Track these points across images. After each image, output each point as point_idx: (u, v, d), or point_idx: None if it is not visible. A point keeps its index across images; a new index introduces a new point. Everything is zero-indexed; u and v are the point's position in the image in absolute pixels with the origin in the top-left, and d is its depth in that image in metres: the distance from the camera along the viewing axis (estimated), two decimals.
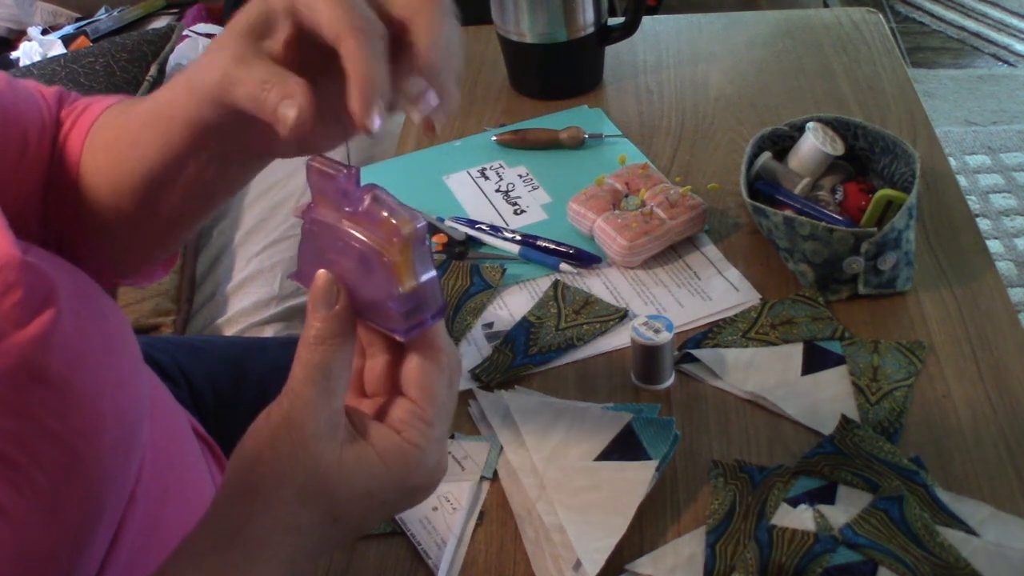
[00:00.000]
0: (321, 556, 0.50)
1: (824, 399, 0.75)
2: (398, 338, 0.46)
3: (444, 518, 0.69)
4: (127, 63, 1.66)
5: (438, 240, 0.94)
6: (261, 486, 0.45)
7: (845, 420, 0.71)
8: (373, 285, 0.45)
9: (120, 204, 0.61)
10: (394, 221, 0.44)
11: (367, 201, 0.44)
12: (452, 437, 0.74)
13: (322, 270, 0.46)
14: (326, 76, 0.47)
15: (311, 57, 0.47)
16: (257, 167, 0.60)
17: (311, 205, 0.47)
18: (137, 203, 0.60)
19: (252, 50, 0.47)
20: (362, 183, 0.45)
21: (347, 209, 0.45)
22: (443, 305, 0.47)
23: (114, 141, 0.61)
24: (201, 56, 0.53)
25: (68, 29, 1.99)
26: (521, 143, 1.06)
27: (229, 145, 0.55)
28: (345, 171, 0.45)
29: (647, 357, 0.76)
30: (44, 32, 2.00)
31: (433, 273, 0.46)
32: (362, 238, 0.44)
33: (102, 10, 2.06)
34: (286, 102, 0.45)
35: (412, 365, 0.47)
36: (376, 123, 0.43)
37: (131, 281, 0.73)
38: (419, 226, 0.44)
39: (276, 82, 0.45)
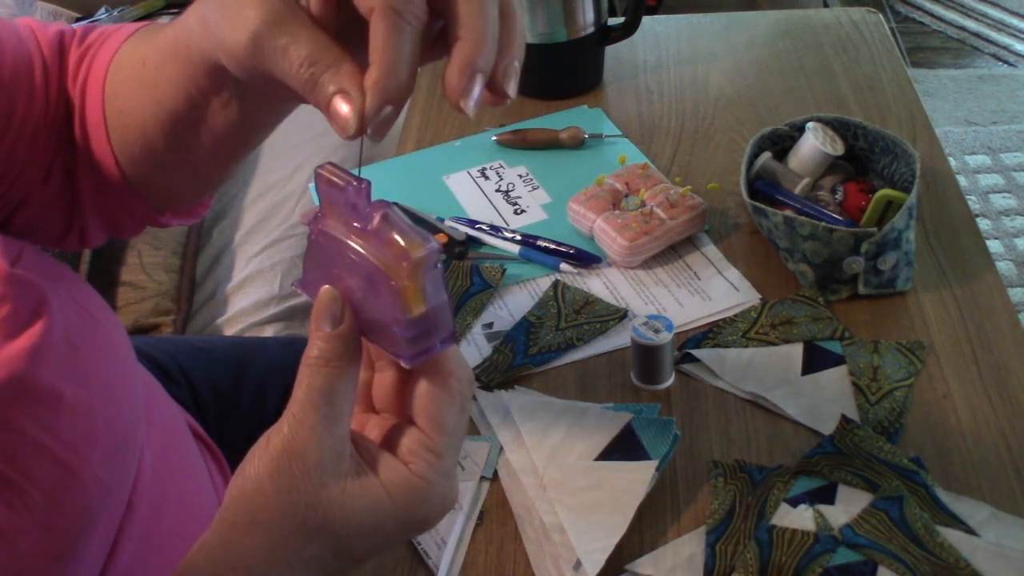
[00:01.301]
0: None
1: (824, 399, 0.75)
2: (403, 364, 0.44)
3: (444, 518, 0.69)
4: None
5: (438, 240, 0.94)
6: (260, 519, 0.44)
7: (845, 420, 0.71)
8: (379, 307, 0.43)
9: (151, 148, 0.57)
10: (404, 244, 0.41)
11: (376, 219, 0.42)
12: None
13: (327, 286, 0.44)
14: (359, 47, 0.41)
15: (348, 21, 0.42)
16: (289, 109, 0.55)
17: (319, 214, 0.45)
18: (167, 147, 0.56)
19: (289, 7, 0.41)
20: (372, 197, 0.42)
21: (356, 224, 0.43)
22: (452, 331, 0.45)
23: (134, 84, 0.56)
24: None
25: None
26: (521, 143, 1.06)
27: (255, 94, 0.51)
28: (355, 184, 0.42)
29: (647, 357, 0.76)
30: None
31: (444, 299, 0.43)
32: (370, 258, 0.42)
33: (102, 10, 2.06)
34: (341, 97, 0.40)
35: (421, 391, 0.45)
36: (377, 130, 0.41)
37: (173, 219, 0.66)
38: (430, 250, 0.41)
39: (327, 65, 0.40)
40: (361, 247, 0.42)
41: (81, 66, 0.60)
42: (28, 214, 0.61)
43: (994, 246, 2.11)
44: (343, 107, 0.40)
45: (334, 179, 0.43)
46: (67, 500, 0.50)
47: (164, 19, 2.03)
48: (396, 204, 0.44)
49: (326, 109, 0.41)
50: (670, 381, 0.77)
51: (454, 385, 0.45)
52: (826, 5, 2.53)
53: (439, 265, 0.43)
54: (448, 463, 0.45)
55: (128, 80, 0.56)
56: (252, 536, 0.44)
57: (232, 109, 0.52)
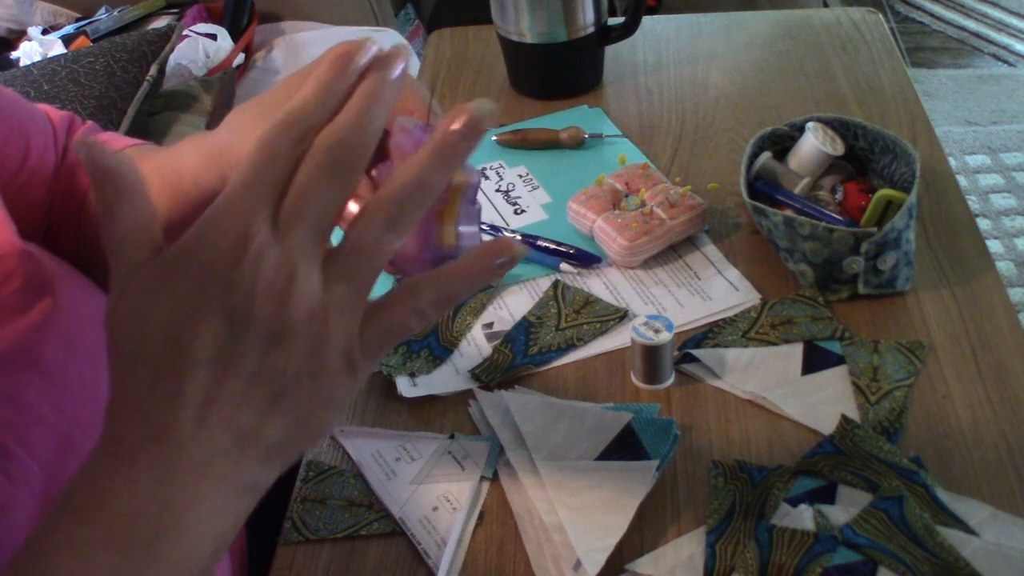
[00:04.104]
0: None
1: (824, 399, 0.75)
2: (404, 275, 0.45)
3: (444, 518, 0.69)
4: (127, 63, 1.66)
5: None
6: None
7: (845, 420, 0.71)
8: (418, 236, 0.44)
9: None
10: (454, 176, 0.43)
11: None
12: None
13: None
14: None
15: None
16: None
17: (388, 163, 0.47)
18: None
19: None
20: None
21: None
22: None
23: None
24: (232, 117, 0.51)
25: (68, 29, 1.99)
26: (521, 143, 1.06)
27: None
28: (422, 126, 0.44)
29: (647, 357, 0.76)
30: (44, 32, 2.00)
31: (476, 236, 0.45)
32: None
33: (102, 10, 2.06)
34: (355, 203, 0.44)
35: None
36: None
37: None
38: (470, 181, 0.43)
39: None
40: None
41: (71, 153, 0.64)
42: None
43: (994, 246, 2.11)
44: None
45: (407, 125, 0.45)
46: (65, 474, 0.51)
47: (164, 19, 2.03)
48: None
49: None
50: (670, 381, 0.77)
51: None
52: (826, 5, 2.53)
53: (477, 204, 0.44)
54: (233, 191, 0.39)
55: None
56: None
57: None
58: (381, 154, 0.46)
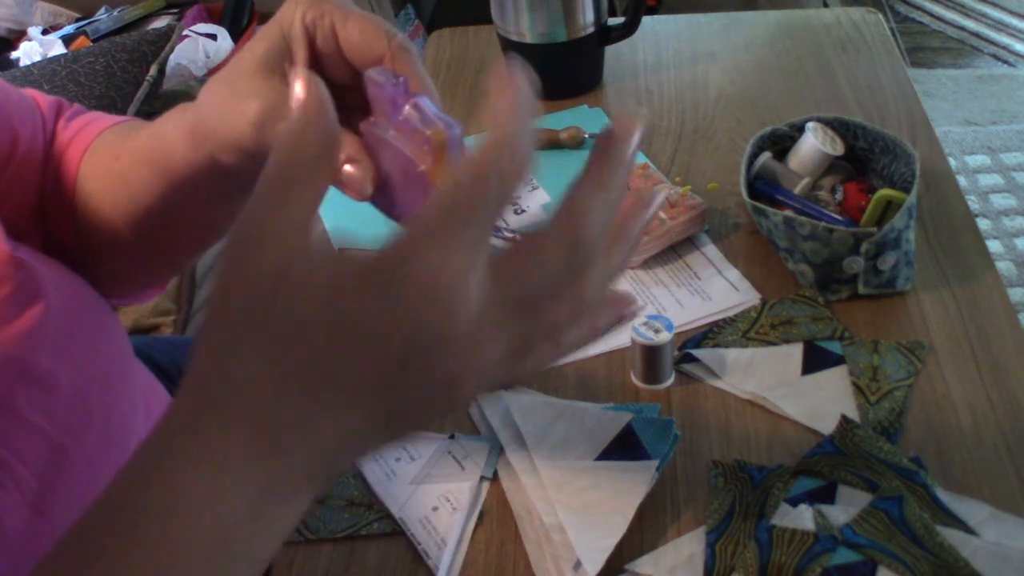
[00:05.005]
0: (282, 406, 0.35)
1: (824, 399, 0.75)
2: None
3: (444, 518, 0.69)
4: (127, 63, 1.66)
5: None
6: (207, 333, 0.36)
7: (845, 420, 0.71)
8: (412, 197, 0.45)
9: (115, 233, 0.60)
10: (427, 131, 0.43)
11: (406, 110, 0.44)
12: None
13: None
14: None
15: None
16: None
17: (372, 119, 0.46)
18: (133, 237, 0.60)
19: (282, 94, 0.47)
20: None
21: (394, 120, 0.45)
22: None
23: (105, 173, 0.60)
24: (205, 96, 0.50)
25: (68, 29, 1.99)
26: None
27: (241, 183, 0.50)
28: (394, 80, 0.44)
29: (647, 357, 0.76)
30: (44, 32, 2.00)
31: None
32: (401, 148, 0.44)
33: (102, 10, 2.06)
34: (351, 166, 0.44)
35: None
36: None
37: (120, 302, 0.70)
38: (452, 135, 0.43)
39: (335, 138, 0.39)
40: (396, 140, 0.44)
41: (59, 136, 0.63)
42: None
43: (994, 246, 2.11)
44: (356, 171, 0.44)
45: (377, 78, 0.45)
46: (58, 482, 0.51)
47: (164, 19, 2.03)
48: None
49: (337, 174, 0.44)
50: (670, 381, 0.77)
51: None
52: (826, 5, 2.53)
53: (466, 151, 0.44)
54: (436, 225, 0.35)
55: (101, 169, 0.60)
56: (200, 348, 0.37)
57: (206, 206, 0.56)
58: (366, 108, 0.46)
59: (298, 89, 0.37)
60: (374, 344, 0.35)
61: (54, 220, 0.62)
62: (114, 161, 0.59)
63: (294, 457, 0.35)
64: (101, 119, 0.63)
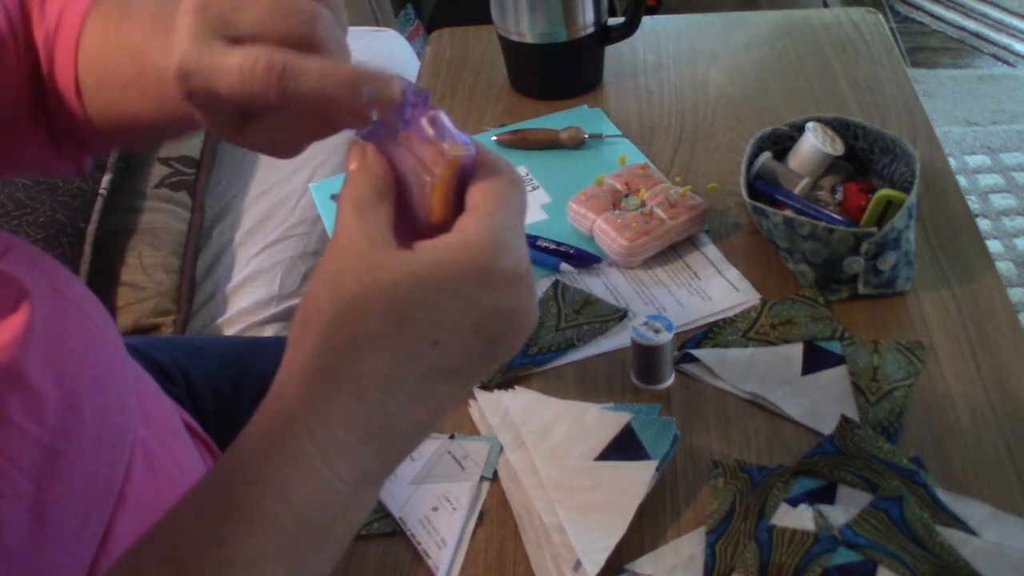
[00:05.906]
0: (399, 392, 0.41)
1: (824, 399, 0.75)
2: None
3: (444, 518, 0.69)
4: None
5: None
6: (312, 319, 0.41)
7: (845, 420, 0.71)
8: (416, 209, 0.44)
9: (109, 123, 0.59)
10: (445, 145, 0.43)
11: (423, 121, 0.44)
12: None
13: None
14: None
15: None
16: None
17: (377, 122, 0.46)
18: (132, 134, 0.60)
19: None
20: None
21: (406, 129, 0.44)
22: None
23: (102, 79, 0.57)
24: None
25: None
26: (521, 143, 1.06)
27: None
28: (412, 89, 0.44)
29: (647, 357, 0.76)
30: None
31: None
32: (411, 159, 0.44)
33: None
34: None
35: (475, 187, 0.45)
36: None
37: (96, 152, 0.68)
38: (467, 153, 0.43)
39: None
40: (408, 149, 0.44)
41: (44, 13, 0.59)
42: (24, 155, 0.62)
43: (994, 246, 2.11)
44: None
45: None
46: (56, 488, 0.51)
47: None
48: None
49: None
50: (670, 381, 0.77)
51: (505, 175, 0.44)
52: (826, 5, 2.53)
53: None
54: (504, 219, 0.42)
55: (99, 74, 0.57)
56: (306, 337, 0.41)
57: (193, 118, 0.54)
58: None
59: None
60: (463, 320, 0.41)
61: (59, 115, 0.60)
62: (109, 64, 0.57)
63: (397, 442, 0.42)
64: (78, 2, 0.60)
